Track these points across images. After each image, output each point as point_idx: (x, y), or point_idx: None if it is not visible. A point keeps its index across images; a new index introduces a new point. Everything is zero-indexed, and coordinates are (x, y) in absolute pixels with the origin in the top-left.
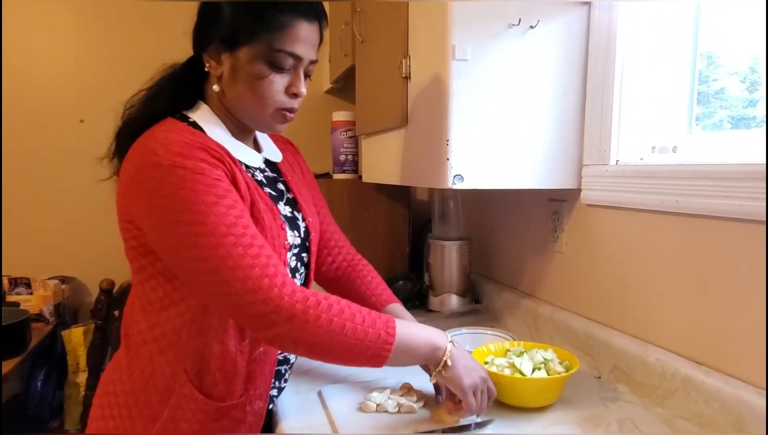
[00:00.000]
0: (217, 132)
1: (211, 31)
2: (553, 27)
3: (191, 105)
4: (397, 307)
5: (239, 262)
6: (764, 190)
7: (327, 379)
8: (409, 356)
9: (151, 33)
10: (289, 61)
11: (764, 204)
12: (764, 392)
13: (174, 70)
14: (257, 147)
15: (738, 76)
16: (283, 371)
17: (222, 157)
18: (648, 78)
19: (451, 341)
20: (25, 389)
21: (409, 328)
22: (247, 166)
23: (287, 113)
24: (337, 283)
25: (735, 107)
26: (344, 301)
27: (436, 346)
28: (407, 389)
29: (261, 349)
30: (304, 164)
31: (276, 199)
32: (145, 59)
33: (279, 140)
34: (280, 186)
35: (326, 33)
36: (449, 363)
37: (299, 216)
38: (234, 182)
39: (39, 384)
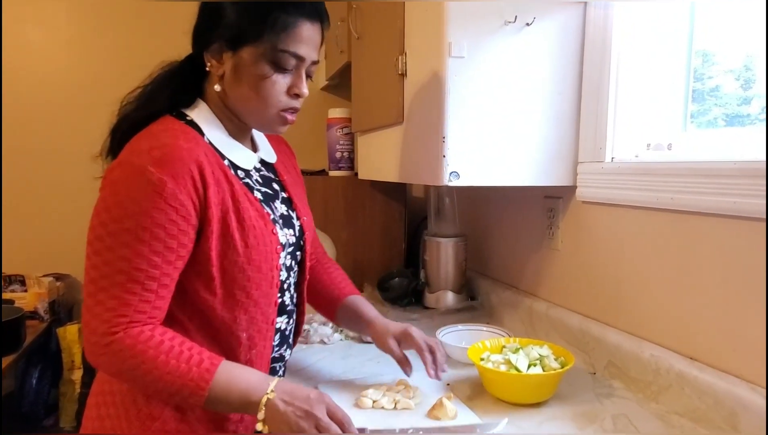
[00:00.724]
0: (214, 132)
1: (214, 30)
2: (549, 24)
3: (190, 103)
4: (360, 298)
5: (108, 292)
6: (758, 187)
7: (323, 376)
8: (225, 406)
9: (144, 30)
10: (292, 62)
11: (758, 201)
12: (757, 387)
13: (172, 67)
14: (254, 146)
15: (733, 74)
16: (277, 368)
17: (201, 171)
18: (643, 75)
19: (272, 390)
20: (19, 387)
21: (229, 377)
22: (238, 168)
23: (288, 115)
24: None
25: (729, 105)
26: (178, 341)
27: (249, 400)
28: (403, 386)
29: (254, 350)
30: (297, 166)
31: (272, 198)
32: (138, 56)
33: (273, 139)
34: (276, 186)
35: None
36: (261, 416)
37: (294, 215)
38: (205, 199)
39: (34, 381)
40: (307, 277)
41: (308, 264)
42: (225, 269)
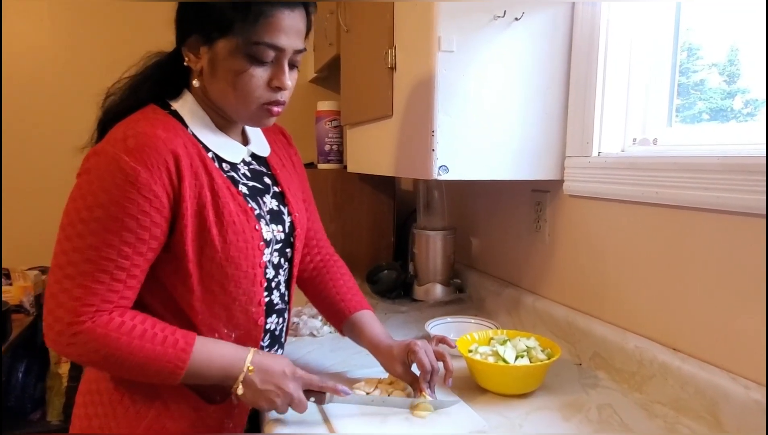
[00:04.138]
0: (198, 124)
1: (189, 23)
2: (537, 19)
3: (176, 95)
4: (366, 314)
5: (75, 281)
6: (740, 182)
7: (313, 369)
8: (203, 380)
9: (131, 21)
10: (270, 54)
11: (740, 195)
12: (737, 377)
13: (159, 59)
14: (245, 138)
15: (717, 68)
16: None
17: (176, 162)
18: (630, 71)
19: (249, 366)
20: (6, 381)
21: (205, 355)
22: (224, 161)
23: (274, 107)
24: (310, 284)
25: (713, 99)
26: (149, 323)
27: (227, 375)
28: (394, 378)
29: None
30: (296, 157)
31: (260, 193)
32: (124, 47)
33: (271, 130)
34: (267, 179)
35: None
36: (239, 392)
37: (285, 210)
38: (179, 191)
39: (20, 375)
40: (296, 274)
41: (297, 261)
42: (202, 265)
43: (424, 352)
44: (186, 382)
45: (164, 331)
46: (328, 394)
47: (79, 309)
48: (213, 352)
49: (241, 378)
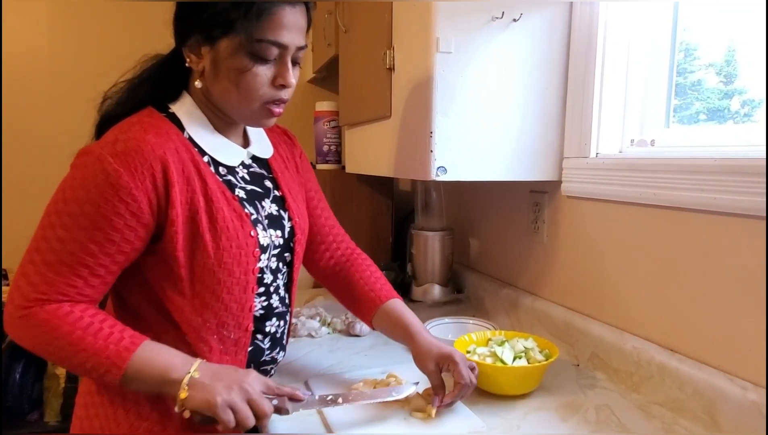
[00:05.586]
0: (196, 126)
1: (189, 23)
2: (536, 20)
3: (175, 96)
4: (397, 302)
5: (37, 268)
6: (737, 184)
7: (310, 370)
8: (143, 384)
9: (129, 21)
10: (274, 51)
11: (736, 197)
12: (735, 378)
13: (157, 61)
14: (246, 140)
15: (714, 68)
16: (269, 370)
17: (164, 168)
18: (628, 71)
19: (196, 369)
20: (3, 381)
21: (152, 354)
22: (220, 165)
23: (275, 107)
24: (335, 279)
25: (710, 99)
26: (99, 318)
27: (168, 379)
28: (393, 378)
29: (227, 356)
30: (300, 157)
31: (259, 197)
32: (124, 48)
33: (275, 131)
34: (268, 183)
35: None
36: (184, 396)
37: (285, 215)
38: (166, 198)
39: (17, 376)
40: (296, 278)
41: (297, 266)
42: (194, 271)
43: (464, 365)
44: (126, 386)
45: (112, 328)
46: (287, 403)
47: (30, 294)
48: (158, 355)
49: (186, 380)
